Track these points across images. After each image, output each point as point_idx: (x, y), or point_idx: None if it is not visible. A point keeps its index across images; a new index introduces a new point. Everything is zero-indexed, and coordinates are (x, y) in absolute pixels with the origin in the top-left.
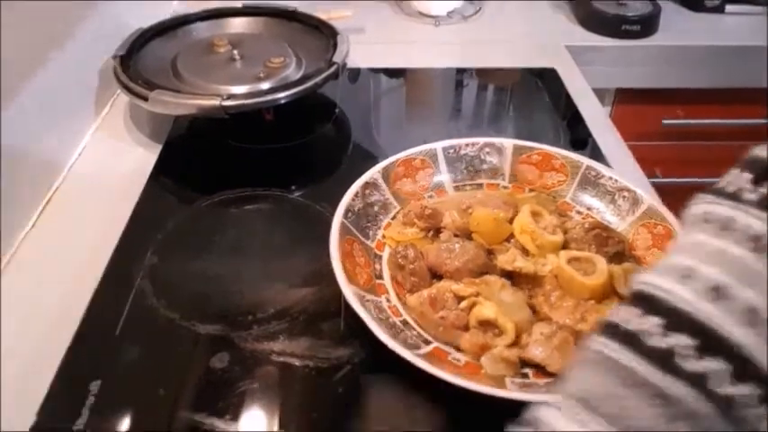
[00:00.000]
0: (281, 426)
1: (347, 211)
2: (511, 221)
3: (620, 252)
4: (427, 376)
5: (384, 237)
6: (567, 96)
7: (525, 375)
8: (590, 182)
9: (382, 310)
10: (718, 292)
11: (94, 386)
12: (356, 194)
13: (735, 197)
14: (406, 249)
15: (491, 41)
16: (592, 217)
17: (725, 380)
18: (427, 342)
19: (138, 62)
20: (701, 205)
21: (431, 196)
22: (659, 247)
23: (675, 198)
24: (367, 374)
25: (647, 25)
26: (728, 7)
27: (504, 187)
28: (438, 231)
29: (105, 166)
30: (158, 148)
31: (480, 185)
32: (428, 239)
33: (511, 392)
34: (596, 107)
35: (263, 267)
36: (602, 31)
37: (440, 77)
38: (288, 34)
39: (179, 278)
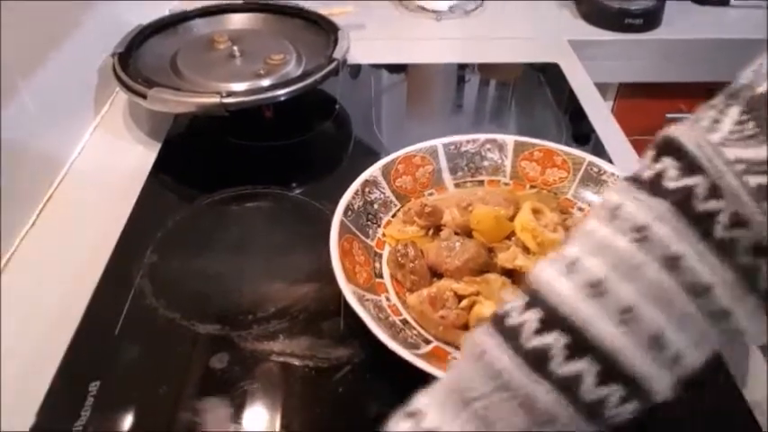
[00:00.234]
0: (281, 426)
1: (347, 209)
2: (512, 219)
3: None
4: (427, 376)
5: (384, 235)
6: (570, 91)
7: None
8: (592, 178)
9: (382, 309)
10: (596, 288)
11: (94, 386)
12: (356, 192)
13: (632, 180)
14: (406, 248)
15: (493, 36)
16: None
17: (591, 382)
18: (427, 341)
19: (138, 60)
20: (611, 189)
21: (431, 194)
22: None
23: None
24: (367, 374)
25: (650, 19)
26: (733, 0)
27: (506, 184)
28: (438, 229)
29: (105, 164)
30: (158, 146)
31: (481, 182)
32: (428, 238)
33: None
34: (599, 102)
35: (263, 266)
36: (605, 26)
37: (441, 73)
38: (288, 30)
39: (179, 277)
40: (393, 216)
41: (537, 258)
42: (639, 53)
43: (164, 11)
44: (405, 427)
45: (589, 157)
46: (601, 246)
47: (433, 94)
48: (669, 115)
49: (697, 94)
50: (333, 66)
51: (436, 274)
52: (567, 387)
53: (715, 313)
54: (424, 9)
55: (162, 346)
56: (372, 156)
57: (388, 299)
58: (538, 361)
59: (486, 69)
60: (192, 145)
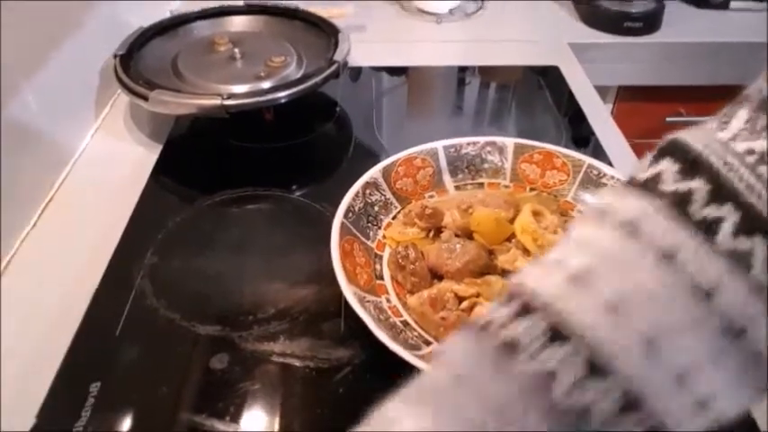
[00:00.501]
0: (281, 427)
1: (348, 210)
2: (512, 221)
3: None
4: None
5: (384, 237)
6: (570, 94)
7: None
8: (592, 181)
9: (383, 311)
10: (579, 281)
11: (94, 387)
12: (357, 194)
13: (626, 183)
14: (407, 249)
15: (493, 39)
16: None
17: (571, 375)
18: (428, 343)
19: (139, 61)
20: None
21: (431, 196)
22: None
23: None
24: (367, 375)
25: (650, 22)
26: (733, 3)
27: (506, 186)
28: (439, 231)
29: (106, 165)
30: (159, 148)
31: (481, 185)
32: (429, 239)
33: None
34: (599, 105)
35: (264, 267)
36: (605, 28)
37: (441, 76)
38: (289, 33)
39: (179, 278)
40: (393, 218)
41: None
42: (639, 56)
43: (165, 13)
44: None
45: (589, 160)
46: (586, 242)
47: (434, 96)
48: (669, 119)
49: (697, 97)
50: (333, 68)
51: (437, 275)
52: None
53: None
54: (424, 12)
55: (162, 346)
56: (373, 158)
57: (388, 300)
58: (510, 351)
59: (487, 72)
60: (192, 147)
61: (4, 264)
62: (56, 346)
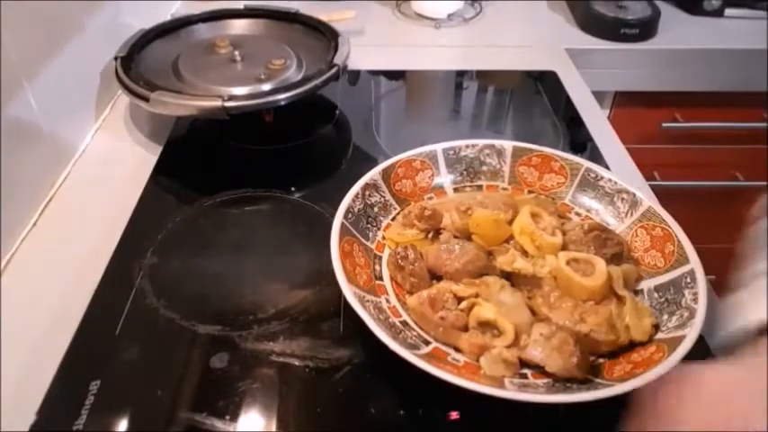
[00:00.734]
0: (280, 426)
1: (347, 211)
2: (510, 223)
3: (618, 253)
4: (426, 376)
5: (384, 238)
6: (567, 99)
7: (524, 376)
8: (589, 184)
9: (382, 311)
10: None
11: (94, 386)
12: (356, 195)
13: None
14: (406, 250)
15: (491, 44)
16: (591, 219)
17: None
18: (427, 342)
19: (140, 63)
20: None
21: (431, 197)
22: (658, 248)
23: (674, 201)
24: (367, 375)
25: (646, 29)
26: (728, 11)
27: (504, 189)
28: (438, 232)
29: (106, 166)
30: (159, 149)
31: (480, 187)
32: (428, 241)
33: (510, 392)
34: (596, 110)
35: (264, 267)
36: (602, 35)
37: (440, 80)
38: (289, 36)
39: (179, 278)
40: (393, 219)
41: (535, 261)
42: (635, 62)
43: (166, 15)
44: None
45: (587, 163)
46: None
47: (432, 100)
48: (665, 124)
49: (692, 103)
50: (333, 71)
51: (436, 276)
52: None
53: None
54: (422, 16)
55: (162, 346)
56: (371, 160)
57: (387, 300)
58: None
59: (485, 76)
60: (192, 148)
61: (4, 264)
62: (56, 346)
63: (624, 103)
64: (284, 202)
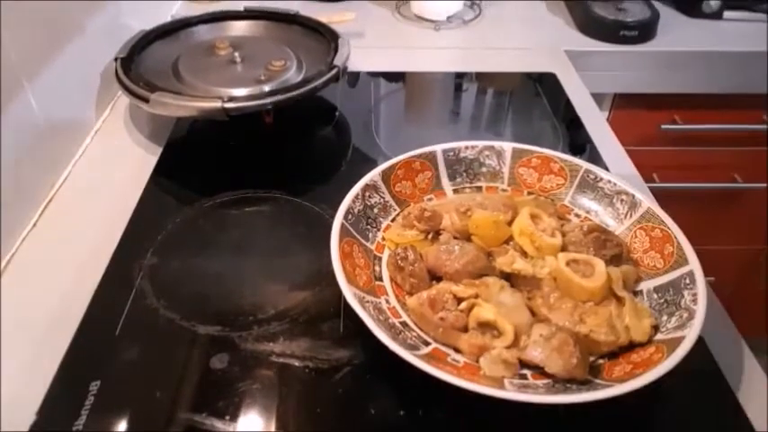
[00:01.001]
0: (280, 426)
1: (347, 212)
2: (510, 224)
3: (618, 255)
4: (426, 377)
5: (383, 239)
6: (566, 101)
7: (524, 376)
8: (588, 185)
9: (382, 312)
10: None
11: (94, 386)
12: (356, 196)
13: None
14: (406, 251)
15: (491, 46)
16: (590, 220)
17: None
18: (426, 343)
19: (140, 64)
20: None
21: (430, 199)
22: (657, 249)
23: (673, 202)
24: (367, 375)
25: (645, 31)
26: (726, 13)
27: (504, 190)
28: (437, 233)
29: (106, 167)
30: (159, 150)
31: (480, 188)
32: (427, 242)
33: (509, 393)
34: (595, 112)
35: (264, 268)
36: (601, 37)
37: (439, 81)
38: (289, 37)
39: (179, 278)
40: (392, 220)
41: (534, 262)
42: (635, 64)
43: (166, 17)
44: None
45: (586, 165)
46: None
47: (431, 102)
48: (664, 126)
49: (691, 105)
50: (333, 72)
51: (435, 277)
52: None
53: None
54: (422, 18)
55: (162, 346)
56: (371, 162)
57: (387, 301)
58: None
59: (484, 78)
60: (192, 149)
61: (4, 264)
62: (56, 346)
63: (623, 105)
64: (284, 203)
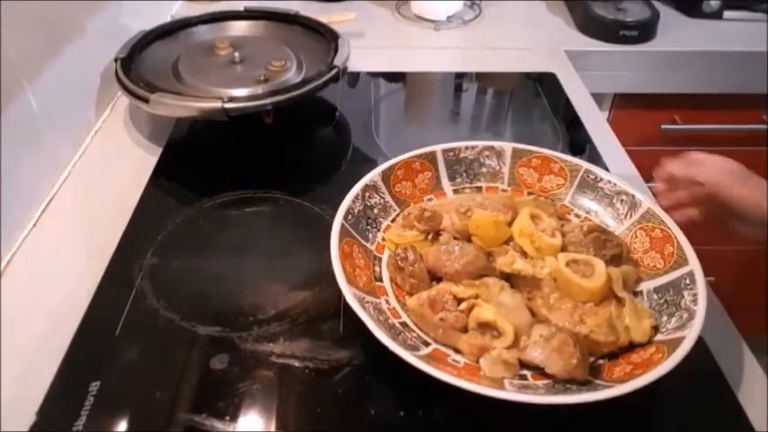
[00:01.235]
0: (280, 427)
1: (347, 213)
2: (510, 224)
3: (617, 255)
4: (426, 377)
5: (383, 239)
6: (566, 101)
7: (524, 377)
8: (588, 185)
9: (382, 312)
10: None
11: (94, 387)
12: (356, 197)
13: None
14: (406, 252)
15: (490, 46)
16: (590, 220)
17: None
18: (426, 344)
19: (140, 64)
20: None
21: (430, 199)
22: (657, 250)
23: None
24: (366, 376)
25: (645, 31)
26: (726, 13)
27: (504, 190)
28: (437, 234)
29: (106, 167)
30: (159, 150)
31: (480, 188)
32: (427, 242)
33: (509, 393)
34: (595, 112)
35: (264, 269)
36: (601, 37)
37: (439, 81)
38: (289, 37)
39: (179, 279)
40: (392, 221)
41: (534, 263)
42: (634, 64)
43: (166, 17)
44: None
45: (586, 165)
46: None
47: (431, 102)
48: (664, 126)
49: (691, 105)
50: (333, 73)
51: (435, 277)
52: None
53: None
54: (422, 18)
55: (162, 346)
56: (371, 162)
57: (387, 302)
58: None
59: (484, 78)
60: (192, 149)
61: (4, 264)
62: (56, 346)
63: (623, 105)
64: (284, 204)
